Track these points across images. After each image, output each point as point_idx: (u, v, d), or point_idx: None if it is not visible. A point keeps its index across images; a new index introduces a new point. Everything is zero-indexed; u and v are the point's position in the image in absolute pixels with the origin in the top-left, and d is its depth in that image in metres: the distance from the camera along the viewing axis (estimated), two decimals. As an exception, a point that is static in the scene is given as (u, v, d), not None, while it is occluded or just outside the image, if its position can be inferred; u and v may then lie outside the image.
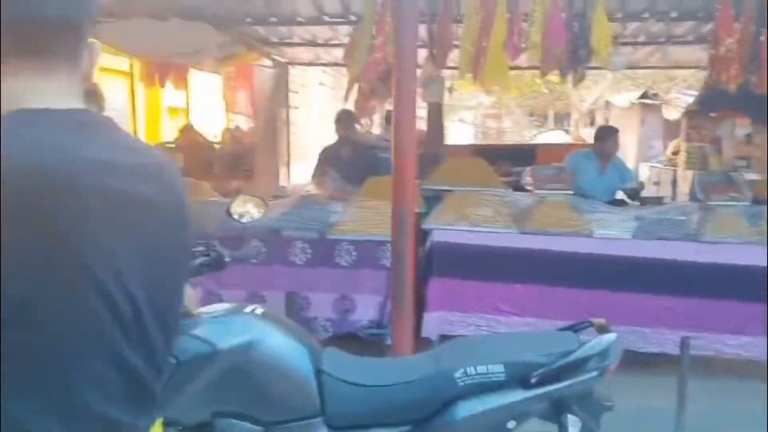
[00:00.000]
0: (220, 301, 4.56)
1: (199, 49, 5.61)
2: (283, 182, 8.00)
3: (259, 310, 1.92)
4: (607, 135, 5.23)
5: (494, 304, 4.36)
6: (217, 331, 1.81)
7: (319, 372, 1.81)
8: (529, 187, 4.85)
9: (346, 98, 5.22)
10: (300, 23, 5.67)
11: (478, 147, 8.26)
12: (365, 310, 4.39)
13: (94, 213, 0.82)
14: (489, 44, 4.35)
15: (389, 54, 4.64)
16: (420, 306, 4.45)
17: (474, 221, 4.43)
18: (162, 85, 8.17)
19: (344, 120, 5.43)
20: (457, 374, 1.72)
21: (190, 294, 1.91)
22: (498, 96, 17.22)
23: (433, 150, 6.14)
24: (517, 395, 1.71)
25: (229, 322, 1.88)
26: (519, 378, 1.71)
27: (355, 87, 5.03)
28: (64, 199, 0.79)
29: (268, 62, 7.57)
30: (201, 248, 2.05)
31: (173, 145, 7.94)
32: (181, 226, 0.97)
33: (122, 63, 8.34)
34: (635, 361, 2.87)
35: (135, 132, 9.64)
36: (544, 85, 16.47)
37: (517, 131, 22.22)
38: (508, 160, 6.75)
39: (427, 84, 5.42)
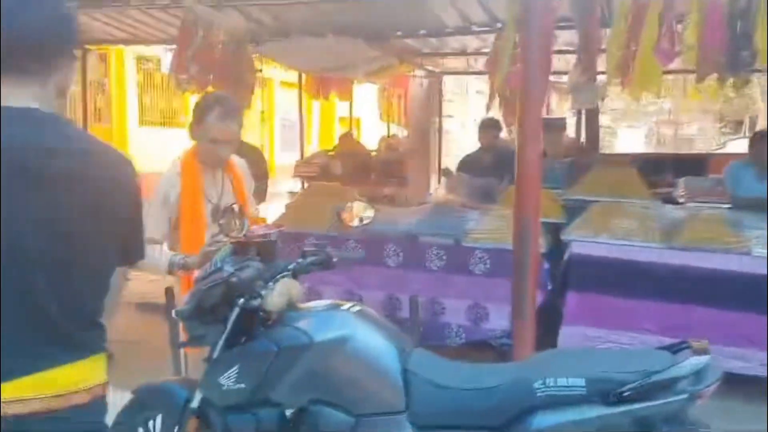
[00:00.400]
0: (361, 300, 4.85)
1: (353, 63, 5.92)
2: (432, 190, 8.15)
3: (356, 308, 2.04)
4: (760, 140, 4.72)
5: (637, 321, 4.12)
6: (316, 325, 1.96)
7: (405, 370, 1.88)
8: (681, 200, 4.51)
9: (488, 107, 5.22)
10: (448, 34, 5.77)
11: (641, 156, 7.76)
12: (498, 320, 4.37)
13: (18, 181, 1.17)
14: (639, 48, 4.14)
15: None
16: (556, 318, 4.35)
17: (617, 234, 4.23)
18: (326, 97, 8.73)
19: (487, 128, 5.43)
20: (536, 384, 1.71)
21: (297, 289, 2.07)
22: (677, 101, 16.03)
23: (582, 158, 5.92)
24: (597, 411, 1.65)
25: (327, 317, 2.02)
26: (601, 394, 1.65)
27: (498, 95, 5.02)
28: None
29: (421, 72, 7.77)
30: (311, 249, 2.22)
31: (332, 153, 8.46)
32: (99, 194, 1.27)
33: (294, 76, 9.03)
34: None
35: (307, 138, 10.55)
36: (730, 88, 14.98)
37: (703, 139, 20.47)
38: (674, 171, 6.32)
39: (577, 90, 5.25)
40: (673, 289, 3.98)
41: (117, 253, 1.37)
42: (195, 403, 2.09)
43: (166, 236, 2.63)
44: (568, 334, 4.24)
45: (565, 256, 4.32)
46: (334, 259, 2.23)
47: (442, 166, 7.76)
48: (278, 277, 2.07)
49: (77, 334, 1.27)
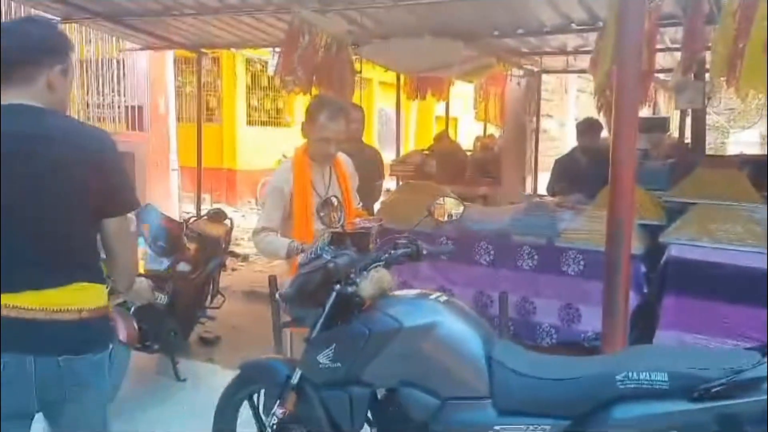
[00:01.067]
0: (452, 294, 4.94)
1: (449, 63, 6.00)
2: (529, 191, 8.09)
3: (443, 298, 2.16)
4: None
5: (740, 329, 3.97)
6: (405, 312, 2.09)
7: (490, 359, 1.98)
8: (790, 203, 4.28)
9: (598, 107, 5.15)
10: (547, 33, 5.73)
11: (753, 158, 7.32)
12: (591, 321, 4.34)
13: (13, 158, 1.68)
14: (747, 45, 3.98)
15: (634, 60, 4.50)
16: (652, 322, 4.26)
17: (718, 238, 4.09)
18: (423, 97, 8.86)
19: (584, 129, 5.36)
20: (619, 377, 1.74)
21: (389, 278, 2.21)
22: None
23: (686, 159, 5.71)
24: (679, 406, 1.66)
25: (416, 304, 2.15)
26: (684, 390, 1.66)
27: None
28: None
29: (519, 71, 7.73)
30: (403, 241, 2.35)
31: (427, 152, 8.57)
32: (74, 162, 1.74)
33: (392, 77, 9.23)
34: None
35: (405, 138, 10.76)
36: None
37: None
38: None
39: (681, 89, 5.10)
40: (777, 296, 3.79)
41: (104, 204, 1.80)
42: (295, 379, 2.28)
43: (279, 226, 2.90)
44: (663, 339, 4.14)
45: (663, 259, 4.22)
46: (424, 252, 2.36)
47: (538, 166, 7.70)
48: (372, 266, 2.22)
49: (64, 266, 1.78)
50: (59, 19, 5.98)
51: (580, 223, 4.44)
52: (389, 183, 8.98)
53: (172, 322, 3.91)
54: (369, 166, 4.90)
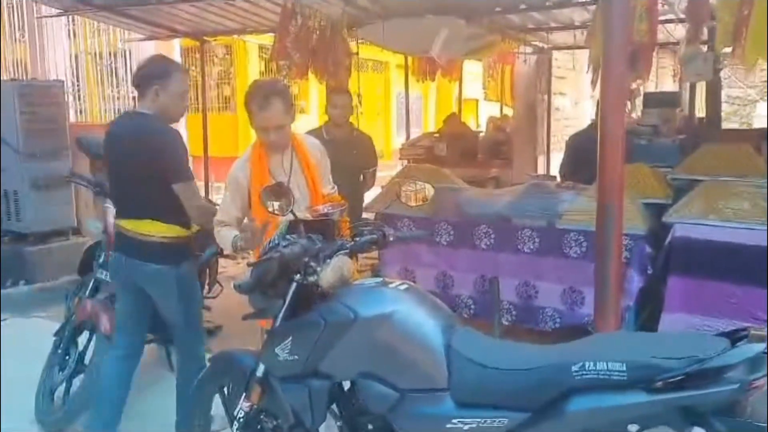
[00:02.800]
0: (453, 282, 4.84)
1: (451, 42, 5.85)
2: (540, 171, 7.91)
3: (404, 286, 2.07)
4: None
5: (748, 309, 3.80)
6: (362, 301, 2.01)
7: (449, 348, 1.89)
8: (804, 178, 4.07)
9: (593, 83, 4.97)
10: (548, 7, 5.55)
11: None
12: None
13: (123, 144, 2.91)
14: (753, 12, 3.79)
15: (636, 32, 4.32)
16: (658, 305, 4.11)
17: (726, 215, 3.91)
18: (432, 79, 8.70)
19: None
20: (575, 367, 1.64)
21: (350, 266, 2.13)
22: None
23: (698, 135, 5.49)
24: (638, 398, 1.55)
25: (374, 293, 2.06)
26: (643, 380, 1.56)
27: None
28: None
29: (528, 49, 7.53)
30: (369, 227, 2.27)
31: (437, 135, 8.44)
32: (154, 147, 2.83)
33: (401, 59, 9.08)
34: None
35: (424, 121, 10.57)
36: None
37: None
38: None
39: (688, 62, 4.89)
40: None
41: (169, 175, 2.81)
42: (259, 372, 2.22)
43: (238, 220, 2.80)
44: (669, 322, 3.99)
45: (667, 239, 4.06)
46: (390, 238, 2.27)
47: (550, 146, 7.50)
48: (337, 254, 2.14)
49: (149, 208, 2.89)
50: (59, 11, 6.00)
51: (581, 204, 4.28)
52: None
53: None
54: (357, 152, 4.80)
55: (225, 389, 2.53)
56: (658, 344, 1.72)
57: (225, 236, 2.74)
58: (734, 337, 1.62)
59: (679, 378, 1.53)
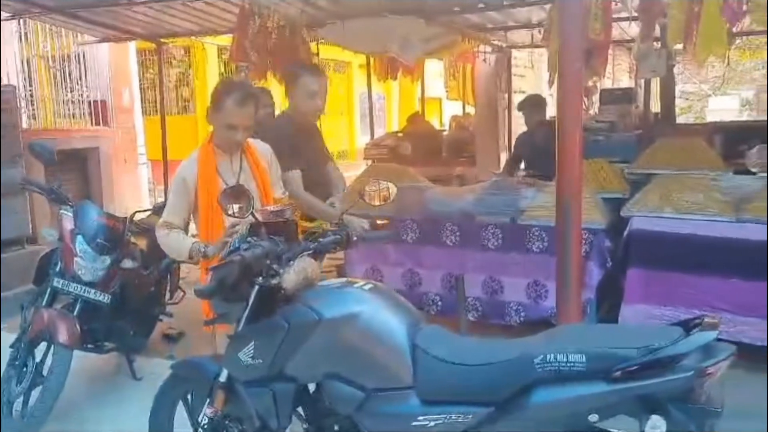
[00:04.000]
0: (420, 280, 4.84)
1: (410, 42, 5.87)
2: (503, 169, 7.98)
3: (368, 286, 2.06)
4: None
5: (705, 299, 3.91)
6: (326, 302, 2.00)
7: (414, 346, 1.89)
8: (754, 170, 4.21)
9: (550, 82, 5.04)
10: (506, 6, 5.61)
11: (727, 125, 7.21)
12: (557, 298, 4.27)
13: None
14: (703, 9, 3.89)
15: (591, 30, 4.39)
16: (618, 297, 4.20)
17: (681, 207, 4.02)
18: (394, 78, 8.70)
19: (527, 106, 5.29)
20: (537, 360, 1.66)
21: (314, 267, 2.12)
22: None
23: (653, 130, 5.62)
24: (597, 388, 1.59)
25: (338, 294, 2.06)
26: (601, 370, 1.59)
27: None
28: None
29: (488, 48, 7.60)
30: (333, 228, 2.26)
31: (401, 134, 8.45)
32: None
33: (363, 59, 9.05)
34: None
35: (387, 120, 10.57)
36: None
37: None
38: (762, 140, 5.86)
39: (642, 59, 5.00)
40: (746, 265, 3.74)
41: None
42: (222, 378, 2.19)
43: (185, 222, 2.73)
44: (629, 313, 4.09)
45: (625, 232, 4.15)
46: (354, 238, 2.26)
47: (511, 144, 7.56)
48: (300, 256, 2.12)
49: None
50: (9, 15, 5.82)
51: (541, 200, 4.35)
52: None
53: (124, 321, 3.80)
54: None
55: (188, 396, 2.49)
56: (616, 335, 1.76)
57: (178, 241, 2.63)
58: (689, 326, 1.66)
59: (636, 367, 1.57)
